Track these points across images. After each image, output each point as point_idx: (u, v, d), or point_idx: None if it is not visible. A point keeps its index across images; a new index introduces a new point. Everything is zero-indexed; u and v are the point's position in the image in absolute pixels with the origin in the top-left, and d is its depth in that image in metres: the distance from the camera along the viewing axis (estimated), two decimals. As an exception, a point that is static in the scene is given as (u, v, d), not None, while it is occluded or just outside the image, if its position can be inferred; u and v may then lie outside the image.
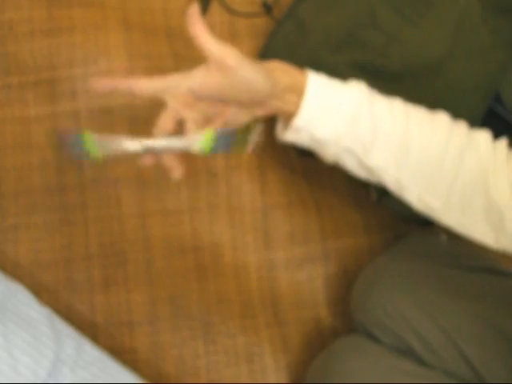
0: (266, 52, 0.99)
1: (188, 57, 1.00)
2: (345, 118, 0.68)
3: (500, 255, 1.03)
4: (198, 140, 0.67)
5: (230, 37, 1.04)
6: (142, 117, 0.95)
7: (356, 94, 0.69)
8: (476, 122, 0.94)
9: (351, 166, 0.71)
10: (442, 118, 0.71)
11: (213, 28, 1.04)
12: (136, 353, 0.90)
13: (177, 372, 0.91)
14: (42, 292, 0.89)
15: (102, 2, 1.00)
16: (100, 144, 0.67)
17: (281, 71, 0.69)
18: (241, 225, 0.95)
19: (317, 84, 0.68)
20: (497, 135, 0.92)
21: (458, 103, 0.92)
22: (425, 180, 0.69)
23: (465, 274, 0.84)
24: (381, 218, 1.01)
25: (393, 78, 0.92)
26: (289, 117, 0.69)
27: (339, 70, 0.91)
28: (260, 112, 0.70)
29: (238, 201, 0.96)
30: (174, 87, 0.68)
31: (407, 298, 0.81)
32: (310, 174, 1.01)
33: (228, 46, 0.66)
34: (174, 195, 0.94)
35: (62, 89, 0.94)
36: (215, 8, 1.05)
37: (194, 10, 0.67)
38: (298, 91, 0.68)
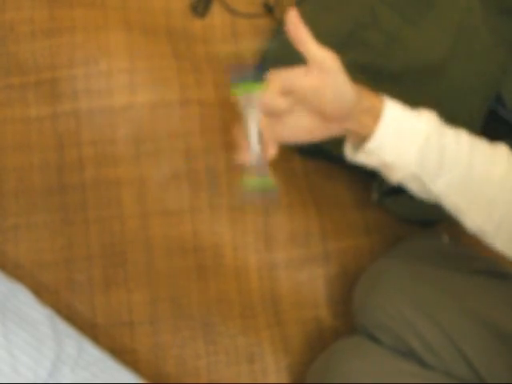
0: (267, 52, 0.99)
1: (188, 57, 1.00)
2: (416, 147, 0.70)
3: (500, 257, 1.03)
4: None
5: (231, 37, 1.05)
6: (141, 117, 0.95)
7: (427, 123, 0.71)
8: (477, 122, 0.94)
9: (415, 189, 0.74)
10: (503, 150, 0.73)
11: (214, 28, 1.05)
12: (136, 353, 0.90)
13: (177, 372, 0.91)
14: (43, 292, 0.89)
15: (103, 2, 1.00)
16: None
17: (363, 93, 0.70)
18: (241, 225, 0.95)
19: (393, 110, 0.70)
20: (498, 136, 0.92)
21: (459, 104, 0.92)
22: (482, 207, 0.72)
23: (466, 276, 0.84)
24: (382, 219, 1.01)
25: (394, 79, 0.92)
26: (360, 138, 0.71)
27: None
28: (336, 130, 0.71)
29: (239, 201, 0.96)
30: (284, 82, 0.67)
31: (408, 300, 0.81)
32: (311, 174, 1.01)
33: (329, 51, 0.68)
34: (174, 195, 0.94)
35: (63, 89, 0.94)
36: (216, 8, 1.05)
37: (294, 14, 0.68)
38: (375, 115, 0.69)
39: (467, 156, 0.71)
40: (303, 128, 0.70)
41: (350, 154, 0.74)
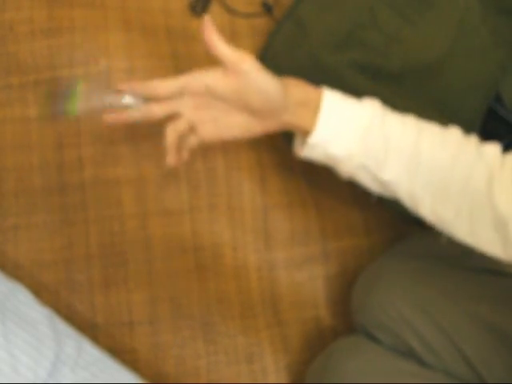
0: (266, 52, 0.99)
1: (188, 57, 1.00)
2: (358, 135, 0.70)
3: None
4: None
5: (230, 37, 1.05)
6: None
7: (369, 111, 0.70)
8: (476, 122, 0.94)
9: (366, 181, 0.73)
10: (453, 133, 0.72)
11: (213, 28, 1.05)
12: (136, 353, 0.90)
13: (177, 372, 0.91)
14: (43, 292, 0.89)
15: (103, 2, 1.00)
16: (87, 97, 0.68)
17: (295, 86, 0.70)
18: (241, 225, 0.95)
19: (331, 101, 0.70)
20: (497, 135, 0.92)
21: (459, 103, 0.92)
22: (437, 192, 0.70)
23: (465, 275, 0.84)
24: (381, 219, 1.01)
25: (393, 78, 0.92)
26: (304, 133, 0.71)
27: (339, 70, 0.91)
28: (273, 125, 0.72)
29: (239, 201, 0.96)
30: (193, 83, 0.70)
31: (407, 299, 0.81)
32: (310, 173, 1.01)
33: (244, 52, 0.68)
34: (174, 195, 0.94)
35: (63, 89, 0.94)
36: (215, 8, 1.05)
37: (208, 19, 0.68)
38: (313, 107, 0.69)
39: (413, 142, 0.69)
40: (238, 125, 0.72)
41: (297, 149, 0.75)
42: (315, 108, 0.69)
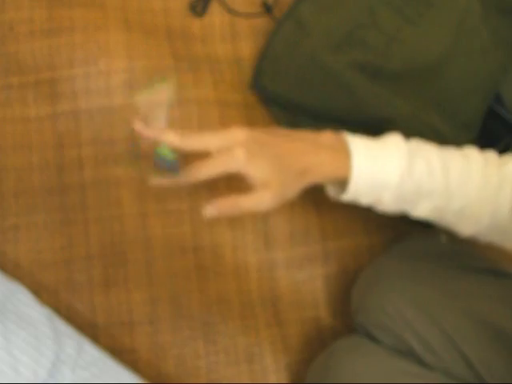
0: (266, 52, 0.99)
1: (188, 57, 1.00)
2: (389, 193, 0.73)
3: (499, 256, 1.03)
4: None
5: (230, 37, 1.05)
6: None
7: (396, 167, 0.72)
8: (476, 122, 0.94)
9: (398, 213, 0.77)
10: (475, 159, 0.74)
11: (213, 28, 1.05)
12: (136, 353, 0.90)
13: (177, 372, 0.91)
14: (42, 292, 0.89)
15: (103, 2, 1.00)
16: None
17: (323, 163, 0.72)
18: (241, 225, 0.95)
19: (360, 159, 0.72)
20: (497, 135, 0.92)
21: (459, 103, 0.92)
22: (469, 218, 0.74)
23: (464, 275, 0.84)
24: (381, 219, 1.00)
25: (393, 79, 0.92)
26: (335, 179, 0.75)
27: (339, 70, 0.91)
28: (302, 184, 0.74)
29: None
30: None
31: (407, 299, 0.81)
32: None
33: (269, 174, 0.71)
34: (174, 195, 0.94)
35: (63, 89, 0.94)
36: (215, 8, 1.05)
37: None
38: (342, 176, 0.73)
39: (441, 181, 0.73)
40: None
41: (328, 190, 0.79)
42: (345, 175, 0.72)
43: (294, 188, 0.73)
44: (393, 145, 0.73)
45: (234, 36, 1.05)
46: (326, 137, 0.74)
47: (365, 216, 1.01)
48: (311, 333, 0.96)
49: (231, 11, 1.05)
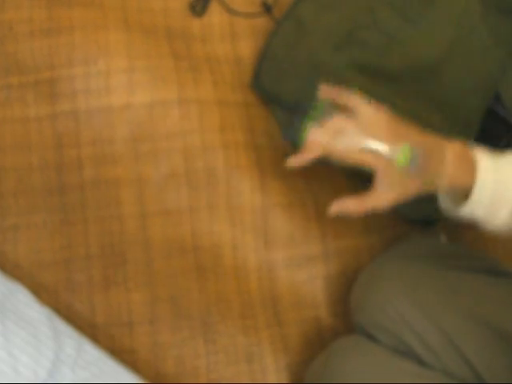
0: (265, 52, 0.99)
1: (187, 57, 1.00)
2: (509, 205, 0.73)
3: (499, 256, 1.03)
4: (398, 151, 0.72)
5: (229, 37, 1.05)
6: (140, 116, 0.95)
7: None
8: (476, 122, 0.94)
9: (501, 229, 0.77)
10: None
11: (212, 28, 1.05)
12: (136, 353, 0.90)
13: (176, 372, 0.91)
14: (42, 292, 0.89)
15: (102, 1, 1.00)
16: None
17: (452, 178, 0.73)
18: (241, 225, 0.95)
19: (485, 177, 0.72)
20: (496, 135, 0.92)
21: (458, 103, 0.92)
22: None
23: (464, 275, 0.84)
24: (381, 219, 1.01)
25: (392, 78, 0.92)
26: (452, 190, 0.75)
27: (339, 70, 0.91)
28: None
29: (238, 201, 0.96)
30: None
31: (407, 299, 0.81)
32: (310, 173, 1.01)
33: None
34: (173, 195, 0.94)
35: (62, 89, 0.94)
36: (215, 8, 1.05)
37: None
38: (466, 186, 0.72)
39: None
40: None
41: (446, 208, 0.79)
42: (468, 189, 0.72)
43: (413, 192, 0.75)
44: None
45: (234, 36, 1.05)
46: (455, 146, 0.74)
47: (365, 216, 1.00)
48: (311, 333, 0.96)
49: (231, 11, 1.05)
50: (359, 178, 1.02)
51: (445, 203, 0.79)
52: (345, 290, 0.94)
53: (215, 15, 1.05)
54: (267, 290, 0.95)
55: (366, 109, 0.74)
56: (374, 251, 0.98)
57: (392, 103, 0.90)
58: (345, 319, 0.95)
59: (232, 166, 0.96)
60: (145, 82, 0.95)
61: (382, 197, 0.74)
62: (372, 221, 1.00)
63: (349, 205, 0.76)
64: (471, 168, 0.72)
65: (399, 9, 0.92)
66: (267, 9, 1.05)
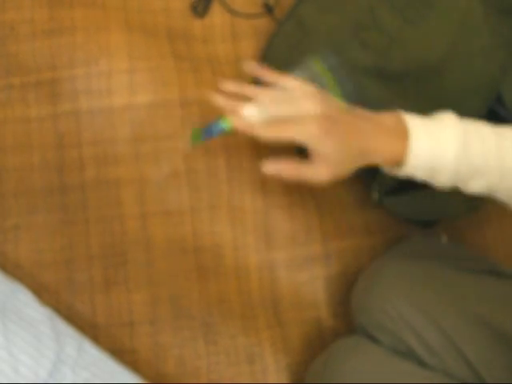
0: (267, 53, 0.99)
1: (188, 57, 1.00)
2: (446, 169, 0.73)
3: (500, 256, 1.03)
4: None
5: (230, 37, 1.05)
6: (141, 117, 0.95)
7: (453, 141, 0.73)
8: (477, 122, 0.94)
9: (448, 190, 0.77)
10: None
11: (214, 29, 1.05)
12: (136, 353, 0.90)
13: (177, 372, 0.91)
14: (43, 292, 0.89)
15: (103, 2, 1.00)
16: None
17: (380, 151, 0.74)
18: (242, 225, 0.95)
19: (418, 137, 0.73)
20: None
21: (460, 104, 0.92)
22: None
23: (465, 276, 0.84)
24: (382, 219, 1.01)
25: (394, 79, 0.92)
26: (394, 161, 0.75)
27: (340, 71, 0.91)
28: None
29: (239, 201, 0.96)
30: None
31: (407, 300, 0.81)
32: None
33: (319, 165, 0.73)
34: (174, 196, 0.94)
35: (63, 89, 0.94)
36: (216, 9, 1.05)
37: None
38: (399, 159, 0.73)
39: (496, 160, 0.73)
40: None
41: (388, 170, 0.79)
42: (401, 158, 0.73)
43: (350, 167, 0.75)
44: (449, 124, 0.74)
45: (235, 36, 1.05)
46: (388, 118, 0.75)
47: (365, 216, 1.01)
48: (312, 333, 0.96)
49: (232, 12, 1.06)
50: (360, 178, 1.02)
51: (385, 167, 0.80)
52: (345, 291, 0.94)
53: (217, 16, 1.05)
54: (268, 291, 0.95)
55: (293, 82, 0.75)
56: (375, 252, 0.98)
57: (393, 103, 0.90)
58: (345, 320, 0.95)
59: (233, 166, 0.97)
60: (146, 83, 0.95)
61: (319, 170, 0.74)
62: (373, 221, 1.00)
63: (284, 169, 0.75)
64: (405, 141, 0.72)
65: (400, 9, 0.92)
66: (268, 9, 1.05)
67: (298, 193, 0.99)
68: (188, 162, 0.95)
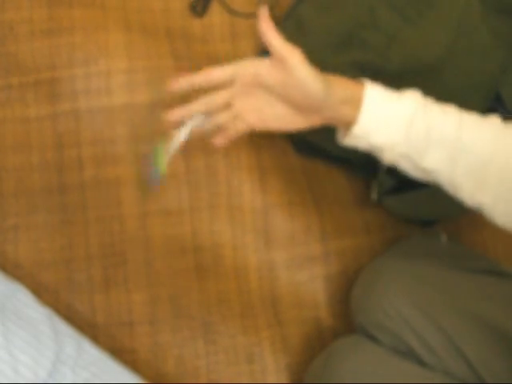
0: (266, 52, 0.98)
1: (187, 57, 1.00)
2: (400, 128, 0.72)
3: (500, 256, 1.03)
4: None
5: (230, 37, 1.05)
6: (142, 117, 0.95)
7: (411, 104, 0.72)
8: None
9: (407, 168, 0.75)
10: (493, 121, 0.73)
11: (213, 28, 1.05)
12: (136, 353, 0.90)
13: (177, 372, 0.91)
14: (42, 292, 0.89)
15: (103, 2, 1.00)
16: (167, 149, 0.77)
17: (338, 84, 0.73)
18: (241, 225, 0.95)
19: (373, 97, 0.72)
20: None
21: (459, 103, 0.92)
22: (476, 180, 0.72)
23: (464, 275, 0.84)
24: (381, 219, 1.01)
25: (393, 78, 0.92)
26: (347, 124, 0.73)
27: (339, 71, 0.91)
28: (316, 120, 0.75)
29: (239, 201, 0.96)
30: (242, 71, 0.74)
31: (407, 299, 0.81)
32: (310, 173, 1.01)
33: (294, 48, 0.72)
34: (174, 195, 0.94)
35: (63, 89, 0.94)
36: (215, 8, 1.05)
37: (264, 11, 0.74)
38: (355, 103, 0.72)
39: (455, 131, 0.71)
40: (282, 117, 0.75)
41: (340, 137, 0.77)
42: (358, 103, 0.71)
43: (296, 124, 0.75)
44: (410, 92, 0.74)
45: (234, 36, 1.05)
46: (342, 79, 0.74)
47: (365, 216, 1.01)
48: (311, 333, 0.96)
49: (231, 11, 1.05)
50: (360, 177, 1.02)
51: (338, 135, 0.78)
52: (345, 290, 0.94)
53: (216, 15, 1.05)
54: (267, 290, 0.95)
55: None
56: (375, 251, 0.98)
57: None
58: (345, 319, 0.95)
59: (232, 166, 0.97)
60: (145, 83, 0.95)
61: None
62: (372, 221, 1.00)
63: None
64: (356, 106, 0.72)
65: (399, 9, 0.92)
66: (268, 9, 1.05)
67: (297, 192, 0.99)
68: (187, 161, 0.95)
